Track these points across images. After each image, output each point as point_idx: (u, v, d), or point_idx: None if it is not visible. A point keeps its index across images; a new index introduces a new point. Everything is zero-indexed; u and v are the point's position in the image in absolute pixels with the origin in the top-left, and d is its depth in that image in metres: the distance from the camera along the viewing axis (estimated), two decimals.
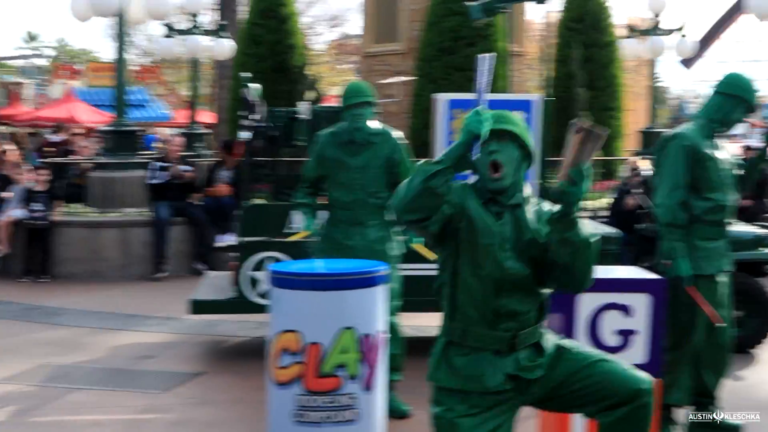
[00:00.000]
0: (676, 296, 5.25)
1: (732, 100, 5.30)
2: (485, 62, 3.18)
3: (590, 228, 3.17)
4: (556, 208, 3.15)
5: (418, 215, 3.13)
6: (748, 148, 12.52)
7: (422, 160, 3.16)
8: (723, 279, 5.39)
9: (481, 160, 3.30)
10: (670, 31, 18.10)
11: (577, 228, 3.10)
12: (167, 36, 17.64)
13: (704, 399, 5.53)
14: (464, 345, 3.30)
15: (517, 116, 3.38)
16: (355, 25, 35.18)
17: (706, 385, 5.49)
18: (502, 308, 3.25)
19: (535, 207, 3.36)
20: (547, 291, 3.34)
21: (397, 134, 6.10)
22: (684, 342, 5.36)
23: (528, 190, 3.38)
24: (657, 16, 17.74)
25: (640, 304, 4.63)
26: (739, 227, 7.96)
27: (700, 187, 5.23)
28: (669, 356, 5.31)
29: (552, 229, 3.16)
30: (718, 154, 5.30)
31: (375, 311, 4.39)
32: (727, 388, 5.86)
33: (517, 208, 3.30)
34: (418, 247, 6.13)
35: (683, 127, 5.40)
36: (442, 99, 7.69)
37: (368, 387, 4.31)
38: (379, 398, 4.41)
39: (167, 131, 22.39)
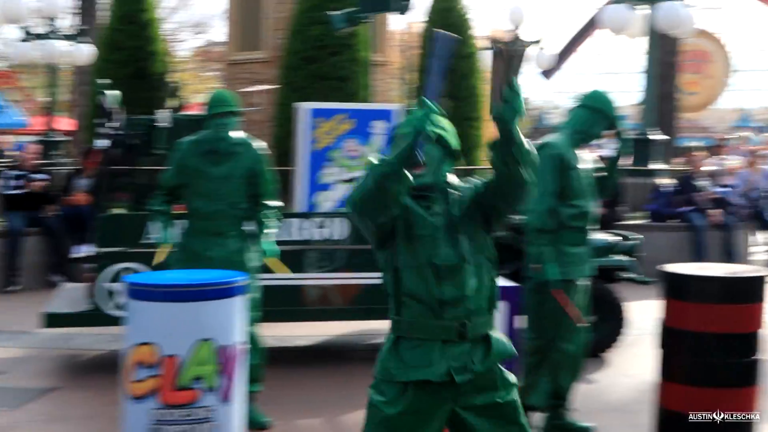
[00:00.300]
0: (541, 301, 5.41)
1: (596, 114, 5.60)
2: (447, 43, 3.03)
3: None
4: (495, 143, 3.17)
5: (374, 212, 3.20)
6: (602, 158, 12.90)
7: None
8: (584, 284, 5.58)
9: None
10: (530, 43, 18.56)
11: (521, 142, 3.12)
12: (24, 40, 17.10)
13: (557, 401, 5.68)
14: (413, 338, 3.30)
15: (441, 117, 3.38)
16: (219, 32, 34.87)
17: (561, 387, 5.64)
18: (445, 295, 3.26)
19: (462, 186, 3.41)
20: (489, 276, 3.34)
21: (259, 145, 6.06)
22: (547, 346, 5.50)
23: (453, 178, 3.42)
24: (517, 28, 18.18)
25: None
26: (592, 234, 8.22)
27: (566, 195, 5.46)
28: (531, 359, 5.46)
29: (496, 153, 3.18)
30: (582, 164, 5.55)
31: (233, 322, 4.35)
32: (581, 392, 6.05)
33: (445, 195, 3.37)
34: (272, 262, 6.09)
35: (551, 137, 5.62)
36: (305, 108, 7.71)
37: (226, 399, 4.26)
38: (238, 410, 4.37)
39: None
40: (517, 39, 18.04)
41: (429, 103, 3.08)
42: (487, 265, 3.35)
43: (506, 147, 3.13)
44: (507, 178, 3.19)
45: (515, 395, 3.40)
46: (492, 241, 3.39)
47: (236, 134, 5.97)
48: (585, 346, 5.71)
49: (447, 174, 3.40)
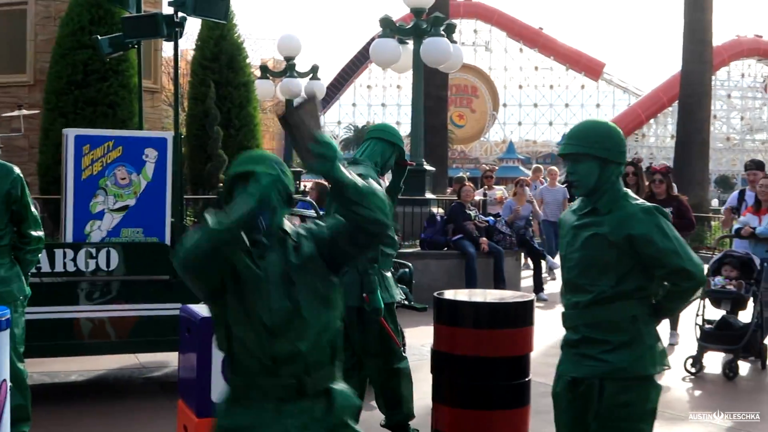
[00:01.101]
0: (371, 326, 5.64)
1: (390, 146, 5.85)
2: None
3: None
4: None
5: (207, 278, 3.03)
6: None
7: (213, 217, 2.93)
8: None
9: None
10: (304, 74, 18.73)
11: (354, 186, 3.00)
12: None
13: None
14: (248, 398, 3.10)
15: (278, 158, 3.26)
16: None
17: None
18: (280, 353, 3.05)
19: (306, 230, 3.24)
20: (329, 326, 3.17)
21: (14, 169, 5.75)
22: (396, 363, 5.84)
23: (288, 225, 3.23)
24: (292, 59, 18.29)
25: None
26: None
27: None
28: (393, 381, 5.86)
29: (338, 204, 3.07)
30: None
31: None
32: (362, 417, 6.07)
33: (281, 244, 3.16)
34: None
35: (361, 169, 5.66)
36: (71, 134, 7.45)
37: None
38: None
39: None
40: (292, 69, 18.17)
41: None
42: (329, 315, 3.17)
43: (341, 194, 3.01)
44: (358, 222, 3.04)
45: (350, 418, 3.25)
46: (337, 288, 3.23)
47: None
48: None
49: (283, 219, 3.22)
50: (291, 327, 3.07)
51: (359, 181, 3.04)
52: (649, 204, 3.78)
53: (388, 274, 5.75)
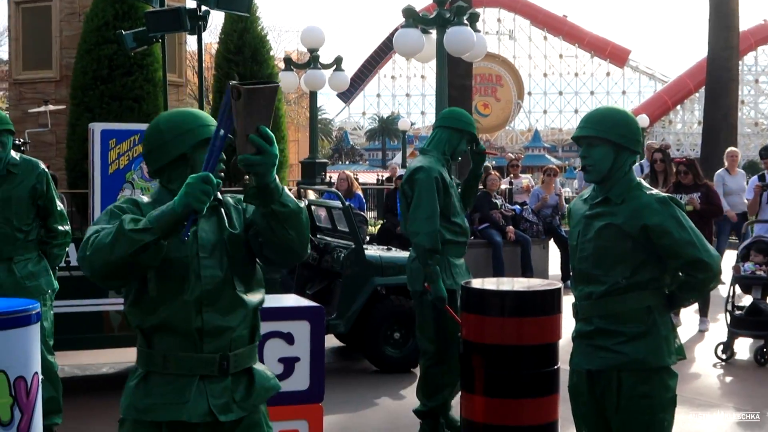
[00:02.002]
0: (436, 314, 5.71)
1: (458, 133, 5.86)
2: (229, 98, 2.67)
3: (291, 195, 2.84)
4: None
5: (120, 282, 2.84)
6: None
7: (128, 219, 2.68)
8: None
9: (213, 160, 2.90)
10: (327, 66, 18.71)
11: (282, 197, 2.76)
12: None
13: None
14: (166, 373, 2.92)
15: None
16: (5, 49, 33.46)
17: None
18: (206, 325, 2.88)
19: (236, 204, 3.08)
20: (255, 301, 3.00)
21: (41, 165, 5.79)
22: (445, 353, 5.81)
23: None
24: (315, 51, 18.27)
25: (302, 331, 4.68)
26: (398, 253, 8.32)
27: (447, 214, 5.71)
28: (433, 367, 5.83)
29: (255, 206, 2.81)
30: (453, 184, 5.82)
31: (28, 352, 4.11)
32: (392, 408, 6.09)
33: (215, 211, 3.01)
34: None
35: (424, 160, 5.78)
36: (97, 129, 7.48)
37: None
38: None
39: None
40: (316, 61, 18.17)
41: (211, 177, 2.69)
42: (253, 292, 3.02)
43: (265, 203, 2.77)
44: (271, 238, 2.84)
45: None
46: (260, 271, 3.06)
47: (14, 154, 5.68)
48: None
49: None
50: (221, 298, 2.92)
51: (292, 200, 2.81)
52: (663, 194, 3.72)
53: (461, 261, 5.83)
